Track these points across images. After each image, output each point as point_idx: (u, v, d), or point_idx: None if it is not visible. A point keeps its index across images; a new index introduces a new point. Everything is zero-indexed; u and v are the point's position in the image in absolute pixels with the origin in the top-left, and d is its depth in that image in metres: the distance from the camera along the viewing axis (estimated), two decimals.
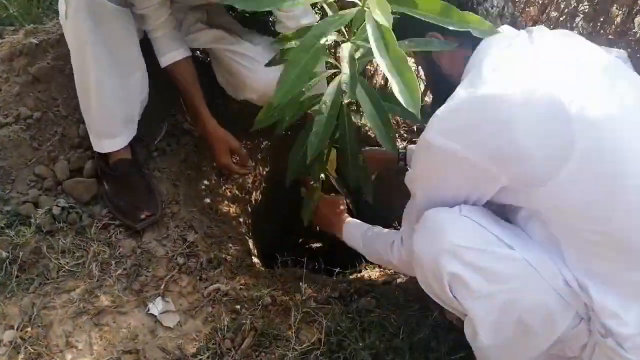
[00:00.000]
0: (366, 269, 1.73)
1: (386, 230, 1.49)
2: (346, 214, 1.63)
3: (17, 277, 1.38)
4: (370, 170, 1.56)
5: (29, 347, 1.26)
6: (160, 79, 1.78)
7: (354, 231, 1.54)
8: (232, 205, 1.87)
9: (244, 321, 1.37)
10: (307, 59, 1.03)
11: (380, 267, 1.77)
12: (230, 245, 1.67)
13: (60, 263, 1.44)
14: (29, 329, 1.31)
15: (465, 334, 1.15)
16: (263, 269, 1.68)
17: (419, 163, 1.13)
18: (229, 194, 1.88)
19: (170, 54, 1.57)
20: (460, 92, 1.00)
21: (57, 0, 1.98)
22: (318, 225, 1.70)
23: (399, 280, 1.60)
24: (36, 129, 1.64)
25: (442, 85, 1.17)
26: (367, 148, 1.77)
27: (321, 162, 1.46)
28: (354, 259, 1.82)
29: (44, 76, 1.66)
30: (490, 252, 1.02)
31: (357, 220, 1.58)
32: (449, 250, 1.03)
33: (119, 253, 1.50)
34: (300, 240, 2.04)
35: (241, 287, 1.48)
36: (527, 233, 1.07)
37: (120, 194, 1.58)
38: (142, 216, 1.55)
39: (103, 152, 1.57)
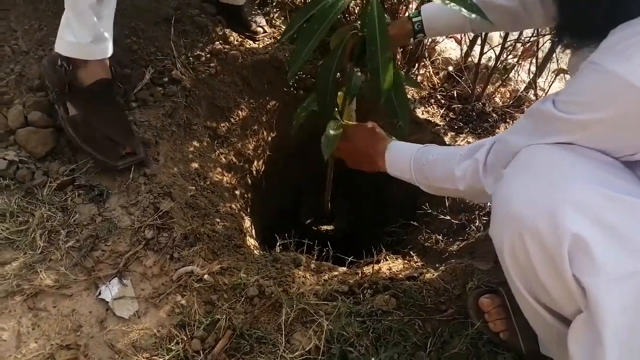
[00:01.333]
0: (386, 260, 1.37)
1: (443, 148, 1.09)
2: (385, 136, 1.21)
3: None
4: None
5: None
6: (144, 14, 1.47)
7: (401, 154, 1.14)
8: (226, 174, 1.54)
9: (220, 316, 1.04)
10: None
11: (404, 258, 1.41)
12: (218, 220, 1.34)
13: None
14: None
15: (569, 349, 0.75)
16: (257, 252, 1.34)
17: (600, 111, 0.73)
18: (224, 160, 1.55)
19: None
20: None
21: None
22: (348, 161, 1.30)
23: (427, 276, 1.23)
24: None
25: None
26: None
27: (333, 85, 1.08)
28: (372, 246, 1.47)
29: (1, 3, 1.36)
30: (637, 205, 0.68)
31: (401, 142, 1.18)
32: (574, 200, 0.69)
33: (74, 220, 1.19)
34: (309, 221, 1.70)
35: (222, 271, 1.15)
36: None
37: (95, 123, 1.25)
38: (124, 152, 1.23)
39: (81, 57, 1.21)
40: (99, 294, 1.09)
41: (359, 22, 1.01)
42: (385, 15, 1.25)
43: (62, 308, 1.06)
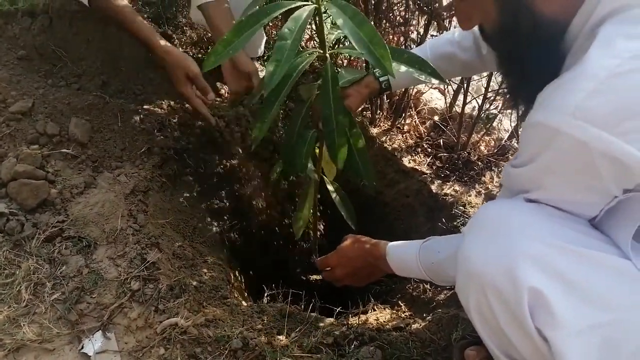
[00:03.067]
0: (374, 310, 1.37)
1: (444, 240, 1.09)
2: (373, 240, 1.25)
3: None
4: (354, 108, 1.22)
5: None
6: (138, 64, 1.53)
7: (404, 257, 1.15)
8: (216, 224, 1.55)
9: None
10: None
11: (392, 308, 1.40)
12: (205, 270, 1.34)
13: None
14: None
15: None
16: (244, 303, 1.34)
17: (538, 159, 0.75)
18: (213, 209, 1.57)
19: None
20: (606, 58, 0.67)
21: None
22: (354, 284, 1.33)
23: (414, 327, 1.23)
24: None
25: (531, 42, 0.80)
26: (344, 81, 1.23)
27: (304, 144, 1.13)
28: (360, 295, 1.47)
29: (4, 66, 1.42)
30: (592, 257, 0.69)
31: (396, 243, 1.19)
32: (528, 254, 0.70)
33: (61, 272, 1.20)
34: (299, 270, 1.70)
35: (207, 323, 1.14)
36: None
37: None
38: None
39: None
40: (82, 347, 1.08)
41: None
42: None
43: None
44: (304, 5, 0.91)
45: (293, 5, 0.92)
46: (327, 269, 1.35)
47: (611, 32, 0.68)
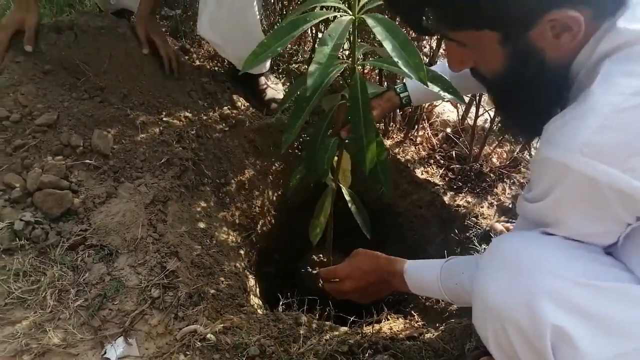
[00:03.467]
0: (388, 319, 1.39)
1: (468, 260, 1.07)
2: (387, 256, 1.20)
3: None
4: (376, 121, 1.24)
5: None
6: (157, 83, 1.58)
7: (424, 277, 1.11)
8: (232, 233, 1.59)
9: None
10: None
11: (405, 317, 1.42)
12: (222, 279, 1.38)
13: (11, 288, 1.18)
14: None
15: None
16: (260, 311, 1.37)
17: (551, 195, 0.76)
18: (229, 219, 1.61)
19: None
20: (609, 95, 0.69)
21: None
22: (366, 300, 1.28)
23: (427, 336, 1.25)
24: (13, 132, 1.44)
25: (536, 85, 0.81)
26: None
27: (326, 151, 1.17)
28: (373, 304, 1.48)
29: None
30: (610, 288, 0.70)
31: (416, 261, 1.15)
32: (547, 289, 0.71)
33: (84, 280, 1.24)
34: (314, 278, 1.72)
35: (225, 330, 1.17)
36: None
37: None
38: None
39: None
40: (104, 353, 1.11)
41: (347, 88, 1.10)
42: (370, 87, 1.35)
43: None
44: (342, 16, 0.95)
45: (331, 15, 0.97)
46: (334, 280, 1.30)
47: (612, 70, 0.70)
